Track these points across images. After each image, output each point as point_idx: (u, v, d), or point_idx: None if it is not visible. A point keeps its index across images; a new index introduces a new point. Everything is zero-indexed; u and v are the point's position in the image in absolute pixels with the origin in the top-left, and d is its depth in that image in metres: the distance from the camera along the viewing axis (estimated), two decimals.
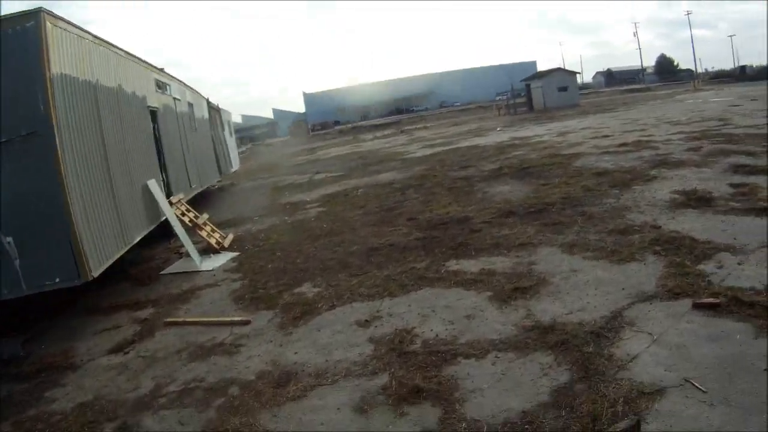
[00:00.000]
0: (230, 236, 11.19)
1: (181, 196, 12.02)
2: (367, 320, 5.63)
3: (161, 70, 14.28)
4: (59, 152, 6.44)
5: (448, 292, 6.08)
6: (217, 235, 10.96)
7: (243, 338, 5.72)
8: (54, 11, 6.87)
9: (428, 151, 22.02)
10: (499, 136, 22.99)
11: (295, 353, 5.11)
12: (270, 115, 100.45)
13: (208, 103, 20.53)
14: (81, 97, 7.52)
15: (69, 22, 7.43)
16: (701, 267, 5.55)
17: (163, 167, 11.98)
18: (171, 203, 10.96)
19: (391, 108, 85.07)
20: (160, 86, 13.01)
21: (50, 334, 6.80)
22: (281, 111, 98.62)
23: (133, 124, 10.14)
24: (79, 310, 7.61)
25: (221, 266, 8.99)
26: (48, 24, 6.55)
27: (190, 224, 10.82)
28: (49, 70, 6.45)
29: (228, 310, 6.73)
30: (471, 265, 6.83)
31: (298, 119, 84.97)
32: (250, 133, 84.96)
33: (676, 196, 8.60)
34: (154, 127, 11.80)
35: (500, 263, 6.76)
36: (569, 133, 19.54)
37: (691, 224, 7.03)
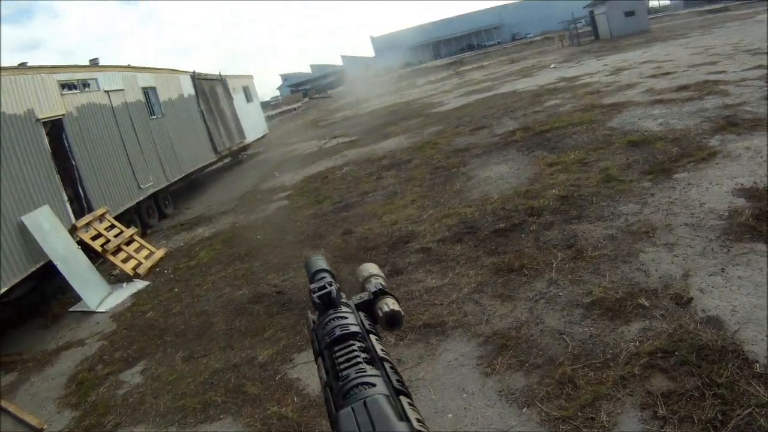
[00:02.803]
0: (158, 254, 9.47)
1: (102, 210, 10.07)
2: None
3: (95, 61, 12.25)
4: None
5: None
6: (141, 256, 9.22)
7: None
8: None
9: (461, 102, 18.53)
10: (546, 77, 18.80)
11: None
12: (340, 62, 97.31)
13: (196, 77, 18.21)
14: None
15: None
16: None
17: (77, 182, 10.25)
18: (76, 228, 9.00)
19: (462, 44, 78.86)
20: (73, 86, 10.89)
21: None
22: (351, 57, 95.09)
23: (8, 146, 8.24)
24: None
25: (118, 305, 7.77)
26: None
27: (100, 250, 8.86)
28: None
29: (50, 397, 5.45)
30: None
31: (368, 65, 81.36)
32: (318, 83, 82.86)
33: (741, 203, 5.06)
34: (62, 137, 9.99)
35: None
36: (625, 70, 15.11)
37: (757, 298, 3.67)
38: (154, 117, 14.35)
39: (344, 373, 0.63)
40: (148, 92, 14.45)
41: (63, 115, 10.14)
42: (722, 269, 4.00)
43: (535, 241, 5.38)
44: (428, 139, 12.76)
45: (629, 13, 31.02)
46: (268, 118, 44.31)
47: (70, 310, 8.00)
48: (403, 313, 0.78)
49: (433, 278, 5.19)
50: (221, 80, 21.13)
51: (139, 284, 8.33)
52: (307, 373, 4.42)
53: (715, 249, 4.32)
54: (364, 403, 0.54)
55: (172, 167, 14.44)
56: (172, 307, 6.99)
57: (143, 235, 11.81)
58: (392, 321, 0.77)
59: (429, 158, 10.70)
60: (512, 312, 4.25)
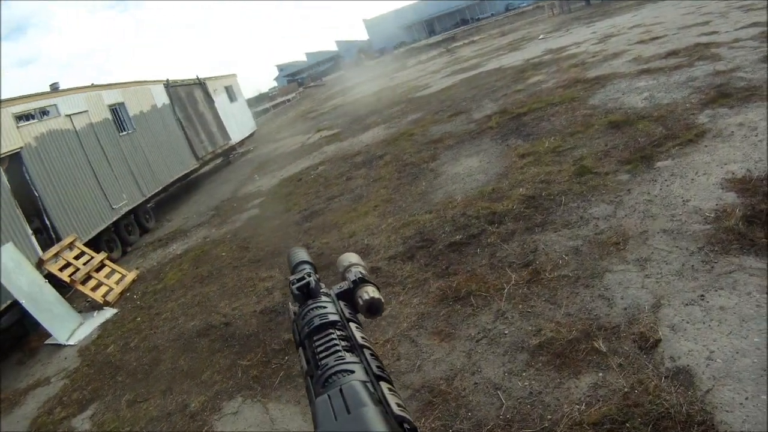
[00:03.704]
0: (129, 277, 9.16)
1: (71, 238, 9.62)
2: None
3: (55, 86, 11.74)
4: None
5: None
6: (112, 281, 8.91)
7: None
8: None
9: (445, 83, 17.59)
10: (533, 49, 17.72)
11: None
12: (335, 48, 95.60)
13: (170, 85, 17.48)
14: None
15: None
16: None
17: (41, 213, 9.92)
18: (43, 261, 8.52)
19: (455, 19, 76.82)
20: (30, 116, 10.44)
21: None
22: (345, 42, 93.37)
23: None
24: None
25: (86, 337, 7.53)
26: None
27: (68, 281, 8.43)
28: None
29: None
30: None
31: (361, 48, 79.84)
32: (314, 71, 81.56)
33: (731, 198, 4.26)
34: (22, 170, 9.68)
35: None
36: (613, 37, 14.01)
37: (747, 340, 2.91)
38: (125, 133, 13.86)
39: (323, 361, 0.64)
40: (116, 109, 13.96)
41: (21, 147, 9.74)
42: (701, 296, 3.23)
43: (490, 258, 4.62)
44: (405, 129, 11.95)
45: None
46: (263, 112, 43.58)
47: (46, 342, 7.82)
48: (383, 300, 0.77)
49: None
50: (200, 83, 20.39)
51: (108, 312, 8.08)
52: (231, 426, 3.97)
53: (696, 266, 3.54)
54: (340, 389, 0.53)
55: (148, 182, 13.99)
56: (131, 339, 6.68)
57: (124, 254, 11.73)
58: (372, 308, 0.77)
59: (401, 152, 9.92)
60: (449, 355, 3.54)
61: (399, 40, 77.96)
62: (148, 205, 14.17)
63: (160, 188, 14.71)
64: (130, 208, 12.62)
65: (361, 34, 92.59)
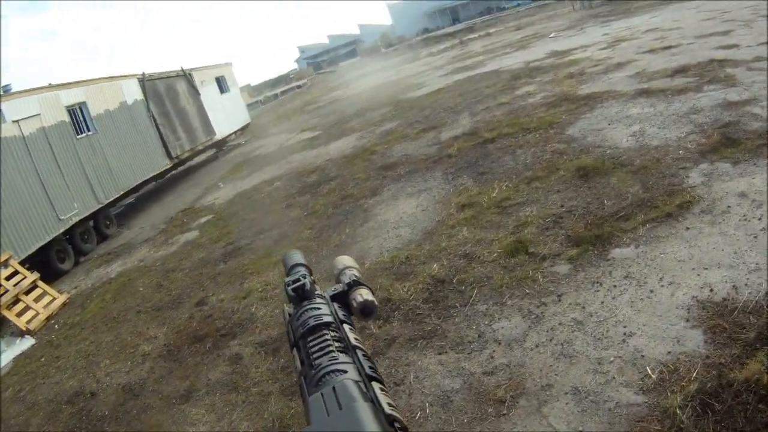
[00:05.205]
0: (58, 301, 8.42)
1: (6, 256, 8.78)
2: None
3: (6, 89, 10.80)
4: None
5: None
6: (40, 306, 8.16)
7: None
8: None
9: (439, 84, 16.03)
10: (539, 50, 15.92)
11: None
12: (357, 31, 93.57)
13: (146, 79, 16.26)
14: None
15: None
16: None
17: None
18: None
19: (480, 8, 74.00)
20: None
21: None
22: (368, 26, 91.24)
23: None
24: None
25: (5, 366, 6.90)
26: None
27: None
28: None
29: None
30: None
31: (383, 33, 77.81)
32: (334, 54, 80.00)
33: (695, 341, 2.80)
34: None
35: None
36: (624, 42, 12.18)
37: None
38: (83, 135, 12.68)
39: (317, 361, 0.64)
40: (76, 109, 12.78)
41: None
42: None
43: None
44: (371, 144, 10.55)
45: None
46: (273, 98, 42.36)
47: None
48: (376, 303, 0.78)
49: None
50: (184, 76, 19.13)
51: (26, 343, 7.34)
52: None
53: None
54: (333, 388, 0.53)
55: (107, 187, 12.85)
56: (25, 386, 5.90)
57: (76, 264, 10.90)
58: (366, 311, 0.78)
59: (350, 177, 8.54)
60: None
61: (422, 27, 75.68)
62: (111, 210, 13.24)
63: (122, 193, 13.59)
64: (82, 217, 11.57)
65: (386, 19, 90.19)
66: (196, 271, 7.26)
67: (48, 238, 10.27)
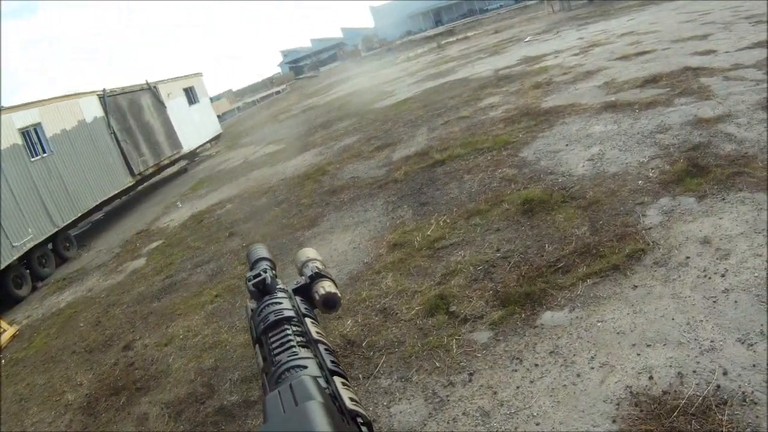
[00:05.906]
0: (7, 334, 7.93)
1: None
2: None
3: None
4: None
5: None
6: None
7: None
8: None
9: (407, 93, 15.41)
10: (511, 56, 15.30)
11: None
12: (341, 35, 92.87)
13: (107, 95, 15.53)
14: None
15: None
16: None
17: None
18: None
19: (463, 10, 73.61)
20: None
21: None
22: (350, 29, 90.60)
23: None
24: None
25: None
26: None
27: None
28: None
29: None
30: None
31: (365, 36, 77.19)
32: (316, 58, 79.25)
33: None
34: None
35: None
36: (598, 47, 11.58)
37: None
38: (37, 158, 12.05)
39: (277, 358, 0.62)
40: (30, 131, 12.14)
41: None
42: None
43: None
44: (326, 162, 9.92)
45: None
46: (251, 104, 41.57)
47: None
48: (339, 295, 0.74)
49: None
50: (149, 89, 18.38)
51: None
52: None
53: None
54: (290, 385, 0.51)
55: (64, 209, 12.25)
56: None
57: (33, 290, 10.47)
58: (329, 303, 0.75)
59: (296, 202, 7.97)
60: None
61: (405, 29, 75.22)
62: (71, 232, 12.71)
63: (80, 215, 12.93)
64: (37, 242, 10.99)
65: (368, 22, 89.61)
66: (132, 308, 6.75)
67: (1, 266, 9.80)
